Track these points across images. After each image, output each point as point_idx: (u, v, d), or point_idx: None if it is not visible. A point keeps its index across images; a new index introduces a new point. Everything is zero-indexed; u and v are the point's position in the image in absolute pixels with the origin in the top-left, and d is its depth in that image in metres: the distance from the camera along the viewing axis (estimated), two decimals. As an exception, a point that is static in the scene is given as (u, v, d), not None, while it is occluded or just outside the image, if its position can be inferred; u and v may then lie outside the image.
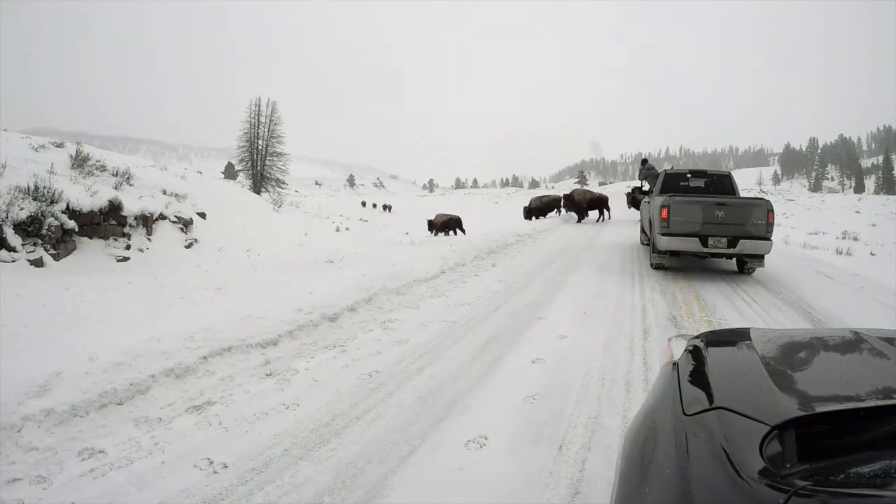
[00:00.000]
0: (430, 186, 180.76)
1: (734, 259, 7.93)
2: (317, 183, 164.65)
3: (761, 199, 7.35)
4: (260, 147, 34.40)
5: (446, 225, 21.19)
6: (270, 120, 34.66)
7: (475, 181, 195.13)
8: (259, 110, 34.25)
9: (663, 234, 7.31)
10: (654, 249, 7.85)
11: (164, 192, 10.36)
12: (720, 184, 9.06)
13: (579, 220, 18.02)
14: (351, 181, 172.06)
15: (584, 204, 18.34)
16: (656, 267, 8.00)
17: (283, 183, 36.12)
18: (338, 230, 21.64)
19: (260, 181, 33.73)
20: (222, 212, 12.18)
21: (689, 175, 9.22)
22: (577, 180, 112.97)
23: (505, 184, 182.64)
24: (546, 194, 20.86)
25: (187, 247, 9.53)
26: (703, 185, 9.11)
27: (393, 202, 62.55)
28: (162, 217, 9.59)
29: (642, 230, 10.68)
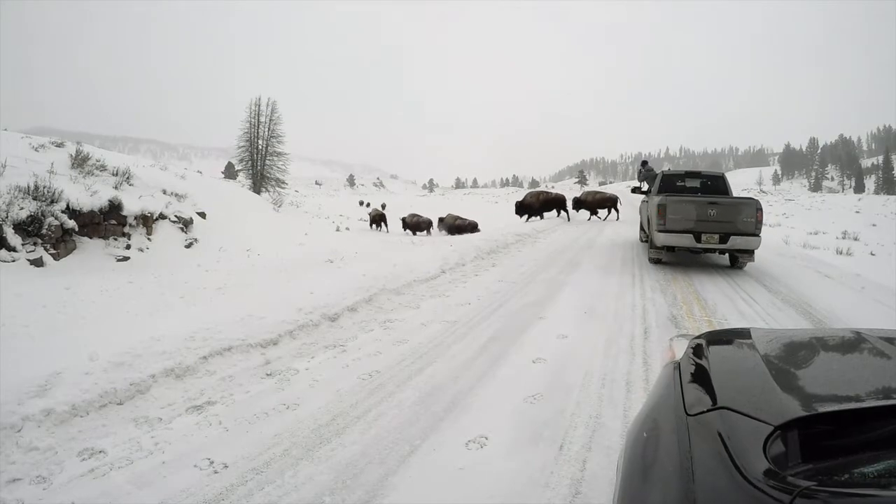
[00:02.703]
0: (430, 186, 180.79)
1: (727, 254, 8.38)
2: (317, 183, 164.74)
3: (750, 198, 7.89)
4: (260, 147, 34.36)
5: (417, 226, 21.40)
6: (270, 119, 34.63)
7: (475, 181, 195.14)
8: (259, 110, 34.23)
9: (660, 231, 7.83)
10: (652, 245, 8.38)
11: (165, 192, 10.34)
12: (714, 184, 9.60)
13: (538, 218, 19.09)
14: (351, 181, 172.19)
15: (538, 205, 19.20)
16: (654, 261, 8.49)
17: (283, 183, 36.04)
18: (338, 230, 21.62)
19: (260, 181, 33.71)
20: (223, 211, 12.17)
21: (685, 176, 9.78)
22: (576, 180, 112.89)
23: (505, 183, 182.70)
24: (544, 191, 21.39)
25: (187, 246, 9.52)
26: (698, 186, 9.61)
27: (393, 202, 62.47)
28: (162, 217, 9.58)
29: (642, 228, 11.28)
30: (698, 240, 7.63)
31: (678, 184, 9.63)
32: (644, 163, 15.14)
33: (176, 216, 9.78)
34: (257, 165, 33.73)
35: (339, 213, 34.82)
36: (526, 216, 19.07)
